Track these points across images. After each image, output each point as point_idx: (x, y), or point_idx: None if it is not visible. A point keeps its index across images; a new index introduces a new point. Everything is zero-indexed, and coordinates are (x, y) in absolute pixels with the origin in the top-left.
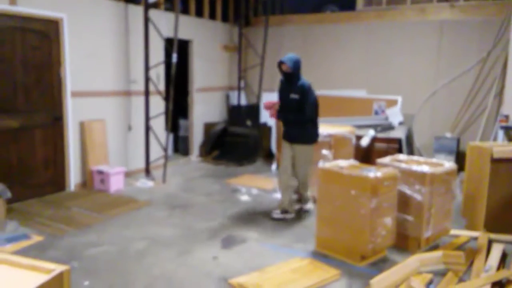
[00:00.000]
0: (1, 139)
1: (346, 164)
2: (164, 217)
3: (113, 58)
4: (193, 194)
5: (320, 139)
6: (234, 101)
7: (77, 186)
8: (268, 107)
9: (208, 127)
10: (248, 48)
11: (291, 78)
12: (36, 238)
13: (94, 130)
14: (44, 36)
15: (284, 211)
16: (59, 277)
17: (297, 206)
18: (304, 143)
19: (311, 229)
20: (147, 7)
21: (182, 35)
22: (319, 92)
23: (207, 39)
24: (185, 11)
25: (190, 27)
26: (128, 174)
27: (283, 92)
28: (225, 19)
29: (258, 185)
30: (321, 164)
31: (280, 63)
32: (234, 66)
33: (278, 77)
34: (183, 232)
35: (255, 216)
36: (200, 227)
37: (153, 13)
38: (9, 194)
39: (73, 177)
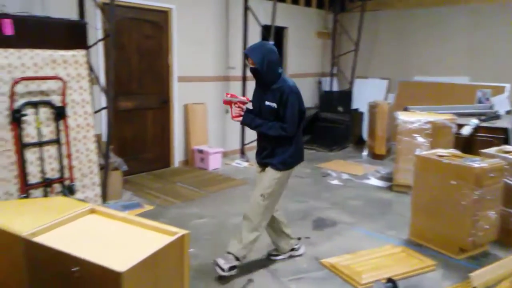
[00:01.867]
0: (119, 118)
1: (445, 153)
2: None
3: (214, 46)
4: None
5: (417, 126)
6: (326, 87)
7: (180, 163)
8: (227, 102)
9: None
10: (342, 34)
11: (261, 79)
12: (147, 207)
13: (196, 112)
14: (156, 26)
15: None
16: (181, 239)
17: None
18: (275, 167)
19: (405, 217)
20: None
21: (278, 22)
22: (417, 77)
23: (301, 26)
24: None
25: (286, 15)
26: (225, 154)
27: (256, 98)
28: (320, 5)
29: (349, 171)
30: (418, 152)
31: (246, 56)
32: (327, 53)
33: (374, 63)
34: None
35: (346, 200)
36: (292, 208)
37: (252, 2)
38: (125, 167)
39: (177, 155)
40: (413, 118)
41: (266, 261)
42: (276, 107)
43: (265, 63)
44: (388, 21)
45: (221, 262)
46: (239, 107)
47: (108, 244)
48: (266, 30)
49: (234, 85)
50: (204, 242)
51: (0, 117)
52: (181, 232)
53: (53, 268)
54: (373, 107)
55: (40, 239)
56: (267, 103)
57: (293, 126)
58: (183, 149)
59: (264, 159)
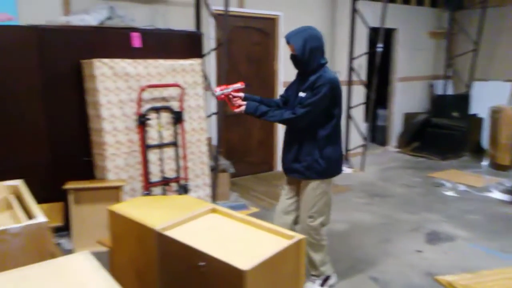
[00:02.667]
0: (227, 123)
1: None
2: (364, 204)
3: None
4: (392, 184)
5: None
6: (439, 90)
7: None
8: (221, 98)
9: (408, 117)
10: (459, 33)
11: (301, 67)
12: (252, 209)
13: None
14: (263, 33)
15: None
16: (298, 243)
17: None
18: (308, 176)
19: None
20: None
21: (388, 23)
22: None
23: (412, 27)
24: None
25: (395, 15)
26: None
27: (292, 89)
28: (433, 3)
29: (466, 182)
30: None
31: (287, 42)
32: (440, 54)
33: (496, 64)
34: (383, 220)
35: (464, 214)
36: (401, 218)
37: (359, 3)
38: (232, 169)
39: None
40: None
41: (376, 273)
42: (306, 97)
43: (307, 49)
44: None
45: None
46: (234, 97)
47: (230, 242)
48: (374, 32)
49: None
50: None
51: (129, 121)
52: (298, 236)
53: (181, 261)
54: (495, 112)
55: (170, 233)
56: (300, 94)
57: (305, 112)
58: None
59: (291, 164)
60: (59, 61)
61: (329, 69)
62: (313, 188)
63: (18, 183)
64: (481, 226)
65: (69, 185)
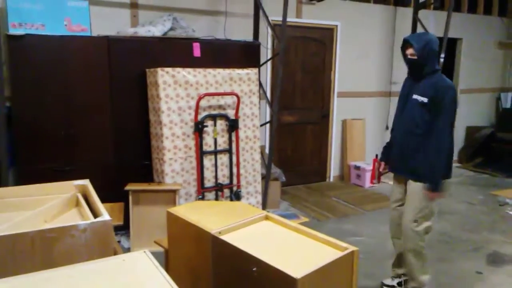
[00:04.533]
0: (281, 132)
1: None
2: None
3: (377, 60)
4: (452, 201)
5: None
6: (507, 103)
7: (335, 178)
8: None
9: (471, 131)
10: None
11: (417, 70)
12: (303, 219)
13: (354, 128)
14: (320, 43)
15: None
16: (351, 255)
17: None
18: (420, 179)
19: None
20: (417, 7)
21: (451, 33)
22: None
23: (478, 36)
24: (457, 7)
25: (460, 25)
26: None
27: (404, 91)
28: (502, 12)
29: None
30: None
31: (404, 45)
32: (508, 65)
33: None
34: (441, 238)
35: None
36: (461, 237)
37: (422, 13)
38: (283, 178)
39: (333, 170)
40: None
41: None
42: (426, 102)
43: (426, 51)
44: None
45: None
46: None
47: (283, 250)
48: None
49: (395, 101)
50: (361, 261)
51: (186, 127)
52: (351, 248)
53: (234, 265)
54: None
55: (225, 237)
56: (415, 96)
57: (445, 127)
58: (339, 164)
59: (408, 171)
60: (125, 69)
61: (443, 75)
62: (421, 189)
63: (86, 182)
64: None
65: (130, 187)
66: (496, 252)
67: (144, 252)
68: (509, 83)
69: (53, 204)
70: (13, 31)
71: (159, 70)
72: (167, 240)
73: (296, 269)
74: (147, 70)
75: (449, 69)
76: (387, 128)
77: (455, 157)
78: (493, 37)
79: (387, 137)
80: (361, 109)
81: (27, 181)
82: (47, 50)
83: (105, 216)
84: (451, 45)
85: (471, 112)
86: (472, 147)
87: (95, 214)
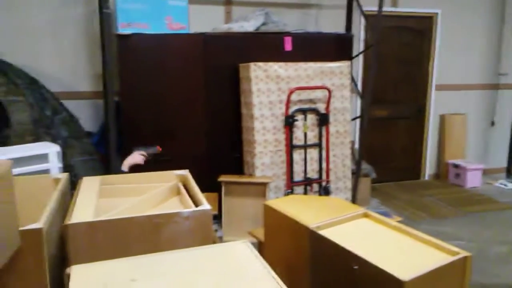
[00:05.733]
0: (372, 126)
1: None
2: None
3: (483, 50)
4: None
5: None
6: None
7: (430, 177)
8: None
9: None
10: None
11: None
12: (395, 218)
13: (453, 123)
14: (416, 33)
15: None
16: (463, 261)
17: None
18: None
19: None
20: None
21: None
22: None
23: None
24: None
25: None
26: (486, 172)
27: None
28: None
29: None
30: None
31: None
32: None
33: None
34: None
35: None
36: None
37: None
38: (374, 175)
39: (428, 168)
40: None
41: None
42: None
43: None
44: None
45: None
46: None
47: (385, 249)
48: None
49: (503, 94)
50: None
51: (277, 121)
52: (464, 253)
53: (333, 261)
54: None
55: (324, 233)
56: None
57: None
58: (435, 162)
59: None
60: (219, 64)
61: None
62: None
63: (186, 172)
64: None
65: (223, 178)
66: None
67: (245, 242)
68: None
69: (157, 192)
70: (121, 31)
71: (251, 64)
72: (263, 232)
73: (403, 271)
74: (240, 65)
75: None
76: (492, 124)
77: None
78: None
79: (493, 133)
80: (463, 103)
81: (131, 169)
82: (151, 48)
83: (206, 205)
84: None
85: None
86: None
87: (196, 203)
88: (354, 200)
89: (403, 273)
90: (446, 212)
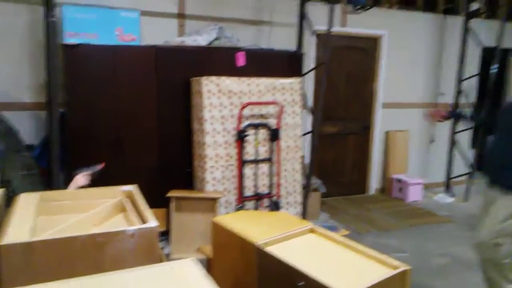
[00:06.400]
0: (321, 142)
1: None
2: (467, 238)
3: (424, 71)
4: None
5: None
6: None
7: (376, 191)
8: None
9: None
10: None
11: None
12: (343, 231)
13: (397, 140)
14: (364, 53)
15: None
16: (403, 274)
17: None
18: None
19: None
20: (469, 16)
21: (506, 43)
22: None
23: None
24: (508, 17)
25: None
26: (426, 186)
27: None
28: None
29: None
30: None
31: None
32: None
33: None
34: None
35: None
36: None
37: (473, 22)
38: (323, 189)
39: (374, 182)
40: None
41: None
42: None
43: None
44: None
45: None
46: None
47: (330, 265)
48: (487, 53)
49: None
50: None
51: (228, 136)
52: (404, 266)
53: (280, 278)
54: None
55: (271, 250)
56: None
57: None
58: (381, 177)
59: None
60: (171, 77)
61: None
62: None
63: (133, 188)
64: None
65: (172, 193)
66: None
67: (192, 260)
68: None
69: (101, 209)
70: (68, 40)
71: (203, 79)
72: (211, 249)
73: (345, 286)
74: (191, 79)
75: (500, 80)
76: (432, 141)
77: None
78: None
79: (434, 149)
80: (406, 120)
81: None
82: (100, 59)
83: (152, 222)
84: (503, 56)
85: None
86: None
87: (142, 220)
88: (304, 215)
89: None
90: (390, 225)
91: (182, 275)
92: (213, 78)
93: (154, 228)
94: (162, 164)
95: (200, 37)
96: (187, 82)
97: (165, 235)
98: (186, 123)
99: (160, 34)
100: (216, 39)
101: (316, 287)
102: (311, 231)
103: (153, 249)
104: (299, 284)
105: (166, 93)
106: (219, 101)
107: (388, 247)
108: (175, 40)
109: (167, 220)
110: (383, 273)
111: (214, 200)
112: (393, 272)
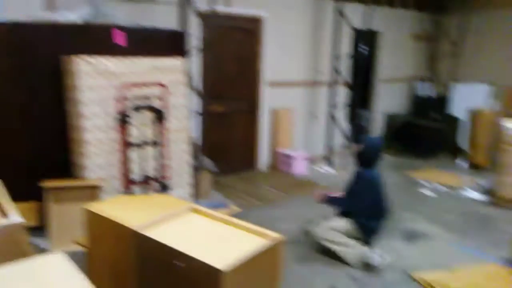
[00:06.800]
0: (210, 122)
1: None
2: None
3: (303, 51)
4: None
5: None
6: (419, 92)
7: (265, 167)
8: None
9: (390, 118)
10: (441, 36)
11: None
12: (234, 208)
13: (282, 117)
14: (248, 33)
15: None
16: (277, 243)
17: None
18: None
19: (510, 235)
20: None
21: (372, 25)
22: None
23: (396, 29)
24: (376, 1)
25: (380, 17)
26: (310, 160)
27: None
28: (418, 7)
29: (443, 181)
30: None
31: None
32: (423, 56)
33: (476, 67)
34: None
35: (441, 213)
36: None
37: (344, 5)
38: (214, 169)
39: (263, 159)
40: None
41: (353, 270)
42: None
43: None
44: (494, 22)
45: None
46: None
47: (209, 242)
48: (358, 34)
49: (321, 90)
50: (290, 246)
51: (109, 119)
52: (277, 236)
53: (159, 260)
54: (474, 114)
55: (149, 233)
56: None
57: None
58: (269, 153)
59: None
60: (39, 57)
61: None
62: None
63: None
64: (456, 224)
65: (47, 184)
66: (411, 229)
67: (58, 253)
68: (422, 72)
69: None
70: None
71: (77, 58)
72: (87, 239)
73: (223, 261)
74: (63, 58)
75: (371, 59)
76: (314, 116)
77: None
78: (409, 30)
79: (315, 125)
80: (290, 98)
81: None
82: None
83: (14, 218)
84: (372, 37)
85: (390, 101)
86: (391, 133)
87: (5, 216)
88: (196, 195)
89: (222, 263)
90: (277, 198)
91: (50, 271)
92: (88, 57)
93: (17, 224)
94: (34, 153)
95: (72, 13)
96: (59, 62)
97: (44, 229)
98: (60, 106)
99: (25, 8)
100: (92, 15)
101: (194, 265)
102: (193, 210)
103: (18, 246)
104: (178, 264)
105: (33, 74)
106: (96, 82)
107: (275, 218)
108: (42, 15)
109: (43, 213)
110: (258, 244)
111: (95, 187)
112: (267, 242)
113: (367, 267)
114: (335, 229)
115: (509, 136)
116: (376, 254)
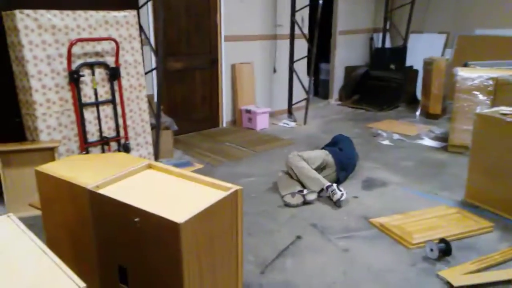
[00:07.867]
0: (169, 79)
1: (509, 111)
2: None
3: (262, 3)
4: (332, 135)
5: (478, 82)
6: (378, 44)
7: (228, 123)
8: None
9: (349, 70)
10: None
11: None
12: (197, 166)
13: (243, 72)
14: None
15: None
16: (235, 194)
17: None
18: None
19: (460, 178)
20: None
21: None
22: (479, 31)
23: None
24: None
25: None
26: (272, 115)
27: None
28: None
29: (401, 131)
30: (479, 110)
31: None
32: (380, 7)
33: (431, 16)
34: None
35: (398, 161)
36: None
37: None
38: (175, 127)
39: (225, 115)
40: (473, 74)
41: (315, 219)
42: None
43: None
44: None
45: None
46: None
47: (166, 197)
48: None
49: (281, 44)
50: (253, 200)
51: (59, 78)
52: (235, 187)
53: (115, 218)
54: (428, 63)
55: (104, 191)
56: None
57: None
58: (231, 109)
59: None
60: None
61: None
62: None
63: None
64: (412, 171)
65: None
66: (369, 177)
67: (8, 216)
68: (380, 24)
69: None
70: None
71: (17, 12)
72: (41, 202)
73: (179, 214)
74: (2, 12)
75: (328, 12)
76: (274, 71)
77: (336, 95)
78: None
79: (276, 79)
80: (249, 53)
81: None
82: None
83: None
84: None
85: (349, 53)
86: (350, 85)
87: None
88: (157, 154)
89: (179, 216)
90: (241, 154)
91: None
92: (29, 11)
93: None
94: None
95: None
96: (0, 19)
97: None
98: (4, 65)
99: None
100: None
101: (151, 220)
102: (149, 167)
103: None
104: (135, 220)
105: None
106: (40, 38)
107: (239, 174)
108: None
109: None
110: (216, 196)
111: (50, 150)
112: (225, 193)
113: (330, 200)
114: (307, 160)
115: (460, 84)
116: (341, 190)
